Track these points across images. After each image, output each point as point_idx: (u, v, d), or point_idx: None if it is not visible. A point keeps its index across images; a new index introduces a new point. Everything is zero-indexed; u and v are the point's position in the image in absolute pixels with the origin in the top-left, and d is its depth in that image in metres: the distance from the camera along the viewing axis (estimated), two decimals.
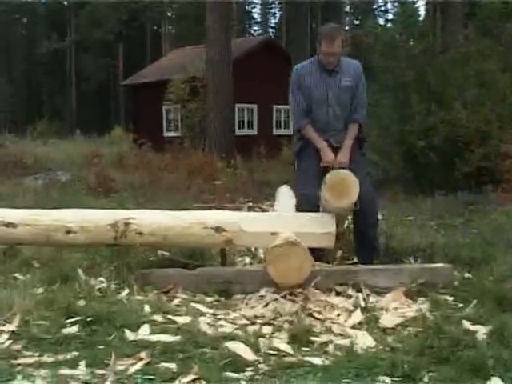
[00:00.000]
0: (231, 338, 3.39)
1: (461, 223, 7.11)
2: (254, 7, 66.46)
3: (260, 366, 3.06)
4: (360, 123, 4.96)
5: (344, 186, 4.31)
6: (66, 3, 54.35)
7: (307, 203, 4.75)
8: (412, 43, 12.10)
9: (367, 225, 4.92)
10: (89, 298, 3.99)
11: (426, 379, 2.88)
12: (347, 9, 62.43)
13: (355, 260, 5.06)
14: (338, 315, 3.86)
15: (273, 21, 66.00)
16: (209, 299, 4.19)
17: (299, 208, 4.90)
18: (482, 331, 3.44)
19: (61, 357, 3.14)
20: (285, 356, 3.19)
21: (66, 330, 3.47)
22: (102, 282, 4.41)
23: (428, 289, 4.21)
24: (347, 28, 61.38)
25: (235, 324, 3.70)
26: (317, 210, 4.69)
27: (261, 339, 3.39)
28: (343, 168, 4.63)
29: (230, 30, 18.83)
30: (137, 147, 17.84)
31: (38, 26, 57.08)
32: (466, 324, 3.56)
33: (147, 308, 3.87)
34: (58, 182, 12.22)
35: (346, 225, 5.33)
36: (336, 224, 4.48)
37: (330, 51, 4.78)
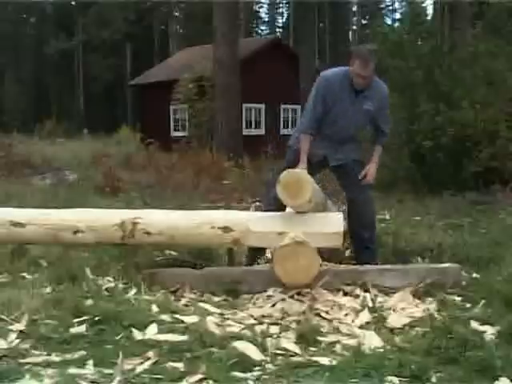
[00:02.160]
0: (239, 337, 3.39)
1: (469, 223, 7.10)
2: (262, 7, 66.52)
3: (267, 365, 3.06)
4: (384, 144, 5.22)
5: (298, 186, 4.21)
6: (73, 3, 54.41)
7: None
8: (420, 42, 12.07)
9: (361, 226, 4.96)
10: (96, 297, 3.99)
11: (433, 379, 2.87)
12: (355, 8, 62.34)
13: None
14: (346, 315, 3.85)
15: (280, 20, 66.02)
16: (216, 299, 4.19)
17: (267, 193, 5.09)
18: (490, 331, 3.44)
19: (69, 356, 3.14)
20: (292, 356, 3.19)
21: (73, 330, 3.48)
22: (110, 281, 4.41)
23: (436, 289, 4.20)
24: (355, 28, 61.40)
25: (243, 324, 3.70)
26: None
27: (268, 339, 3.39)
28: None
29: (238, 30, 18.83)
30: (144, 147, 17.88)
31: (46, 26, 57.19)
32: (474, 324, 3.55)
33: (155, 307, 3.88)
34: (65, 182, 12.25)
35: None
36: None
37: (362, 74, 4.71)
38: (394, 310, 3.93)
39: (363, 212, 4.96)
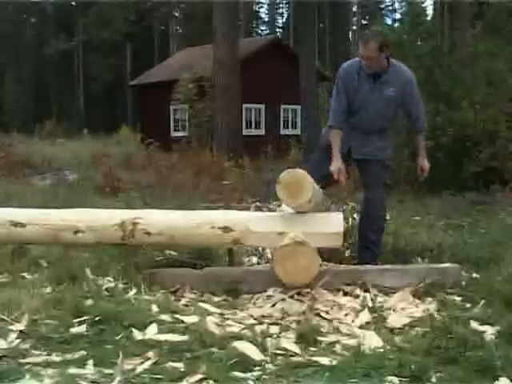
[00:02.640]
0: (239, 337, 3.38)
1: (468, 223, 7.10)
2: (262, 7, 66.58)
3: (267, 365, 3.06)
4: (423, 131, 5.24)
5: (298, 186, 4.15)
6: (73, 3, 54.40)
7: None
8: (420, 43, 12.08)
9: (371, 228, 4.97)
10: (97, 297, 3.99)
11: (433, 379, 2.87)
12: (355, 8, 62.36)
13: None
14: (346, 315, 3.85)
15: (280, 21, 66.06)
16: (216, 299, 4.19)
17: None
18: (490, 331, 3.44)
19: (69, 356, 3.14)
20: (292, 356, 3.19)
21: (73, 330, 3.48)
22: (110, 281, 4.41)
23: (436, 289, 4.20)
24: (355, 28, 61.39)
25: (243, 324, 3.70)
26: None
27: (268, 339, 3.38)
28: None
29: (238, 30, 18.82)
30: (144, 147, 17.89)
31: (46, 26, 57.19)
32: (474, 324, 3.55)
33: (155, 307, 3.87)
34: (65, 182, 12.25)
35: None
36: None
37: (362, 53, 4.75)
38: (393, 310, 3.93)
39: (375, 215, 4.97)
